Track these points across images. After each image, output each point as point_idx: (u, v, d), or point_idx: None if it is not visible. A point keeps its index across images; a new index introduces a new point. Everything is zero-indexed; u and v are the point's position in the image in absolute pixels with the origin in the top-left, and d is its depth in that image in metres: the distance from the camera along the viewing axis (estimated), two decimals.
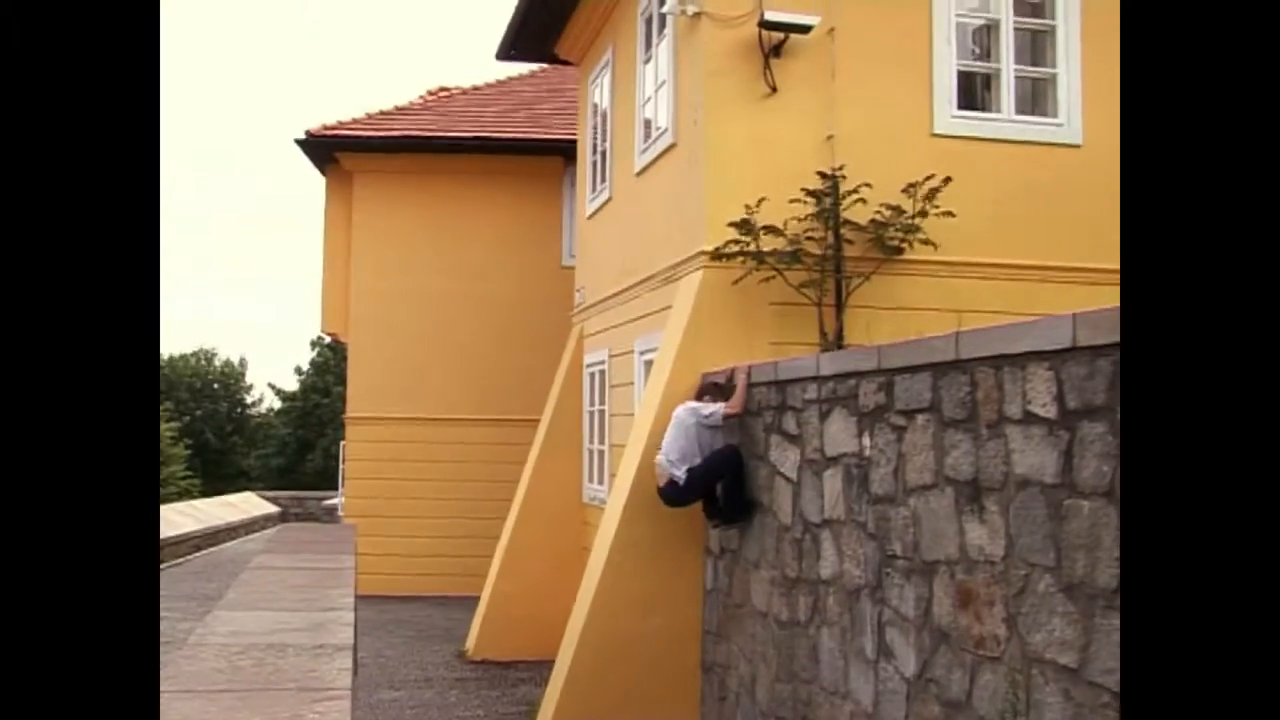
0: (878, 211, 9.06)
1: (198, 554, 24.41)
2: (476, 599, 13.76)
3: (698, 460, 8.48)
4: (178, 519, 25.99)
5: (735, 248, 8.93)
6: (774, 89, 9.37)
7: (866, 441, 6.56)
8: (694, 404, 8.60)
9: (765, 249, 8.92)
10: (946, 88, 9.67)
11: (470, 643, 13.33)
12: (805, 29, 9.23)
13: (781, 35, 9.27)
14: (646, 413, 9.28)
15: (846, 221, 9.09)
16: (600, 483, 12.41)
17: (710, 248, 9.10)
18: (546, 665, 9.62)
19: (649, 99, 11.11)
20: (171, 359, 53.38)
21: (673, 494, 8.58)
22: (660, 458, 8.55)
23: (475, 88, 20.09)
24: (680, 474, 8.44)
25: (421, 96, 19.83)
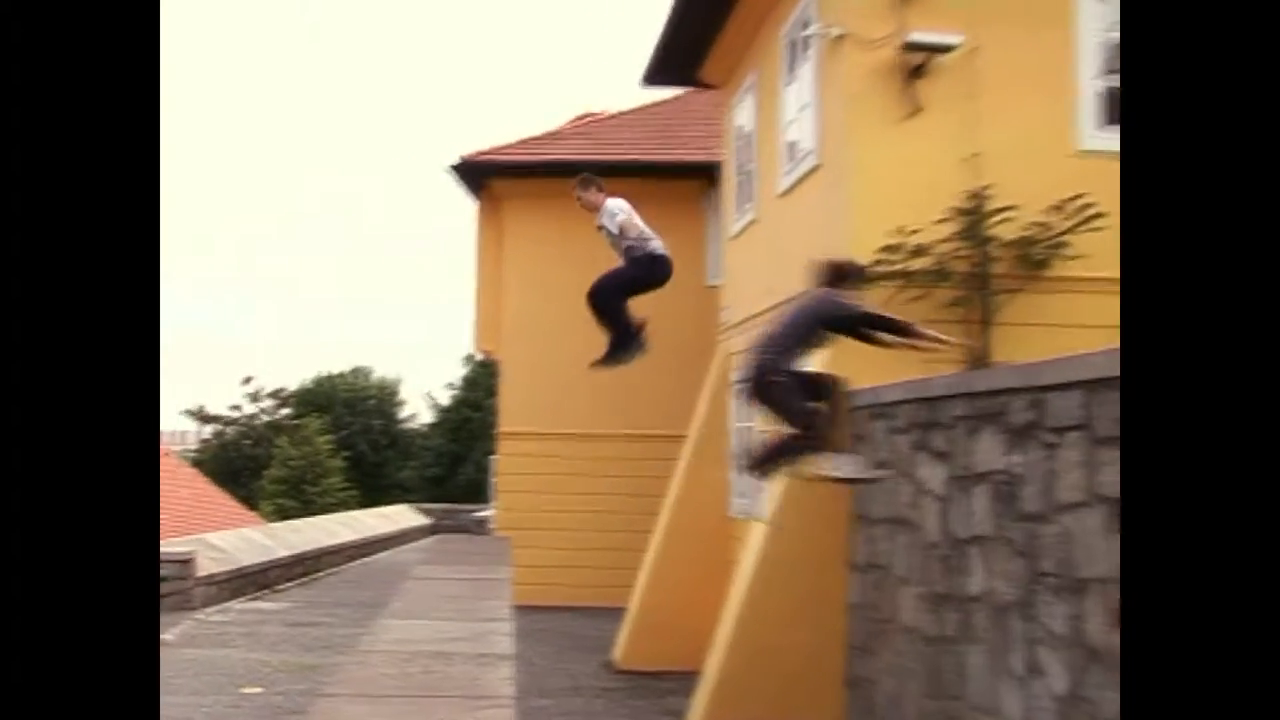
0: (1025, 230, 8.90)
1: (352, 563, 24.91)
2: (623, 610, 13.77)
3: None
4: (337, 529, 26.61)
5: (883, 268, 8.85)
6: (918, 109, 9.28)
7: (1016, 458, 6.42)
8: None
9: (913, 268, 8.83)
10: (1089, 105, 9.49)
11: (618, 652, 13.35)
12: (949, 49, 9.15)
13: (922, 56, 9.19)
14: None
15: (992, 238, 8.94)
16: (747, 497, 12.35)
17: None
18: (693, 676, 9.56)
19: (792, 121, 11.08)
20: (330, 376, 54.64)
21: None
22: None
23: (620, 113, 20.21)
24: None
25: (569, 122, 20.00)
